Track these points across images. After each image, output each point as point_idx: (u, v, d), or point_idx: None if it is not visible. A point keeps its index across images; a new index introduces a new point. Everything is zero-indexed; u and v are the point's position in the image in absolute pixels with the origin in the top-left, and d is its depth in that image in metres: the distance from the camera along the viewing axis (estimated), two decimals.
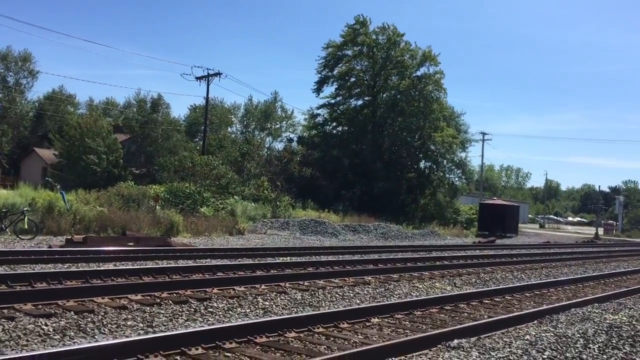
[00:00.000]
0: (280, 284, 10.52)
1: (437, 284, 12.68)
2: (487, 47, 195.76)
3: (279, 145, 54.36)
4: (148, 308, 7.85)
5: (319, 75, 46.38)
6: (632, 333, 8.20)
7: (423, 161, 47.92)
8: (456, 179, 51.57)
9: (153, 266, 11.66)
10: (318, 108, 47.18)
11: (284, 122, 59.36)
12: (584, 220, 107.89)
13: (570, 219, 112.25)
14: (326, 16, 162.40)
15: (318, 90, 46.58)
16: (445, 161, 47.70)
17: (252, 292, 9.59)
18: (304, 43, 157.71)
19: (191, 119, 57.60)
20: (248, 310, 8.35)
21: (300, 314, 7.78)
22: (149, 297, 8.44)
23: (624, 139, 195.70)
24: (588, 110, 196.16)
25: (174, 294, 8.79)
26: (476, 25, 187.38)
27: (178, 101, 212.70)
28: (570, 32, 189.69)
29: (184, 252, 14.90)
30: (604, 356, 6.96)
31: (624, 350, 7.34)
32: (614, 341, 7.60)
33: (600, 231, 61.65)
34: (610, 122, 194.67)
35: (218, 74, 40.49)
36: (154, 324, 7.08)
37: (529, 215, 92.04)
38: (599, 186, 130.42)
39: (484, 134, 67.96)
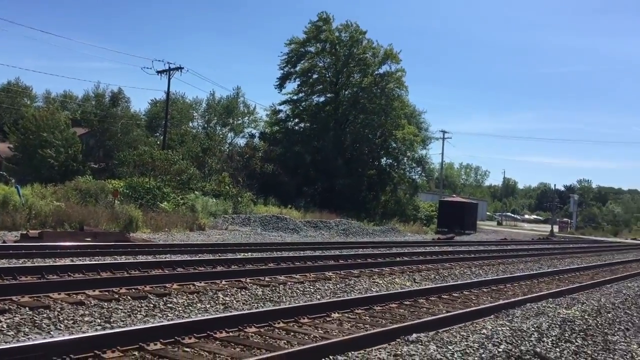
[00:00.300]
0: (241, 279, 10.49)
1: (397, 280, 12.83)
2: (448, 47, 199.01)
3: (240, 141, 54.05)
4: (106, 304, 7.72)
5: (282, 72, 46.36)
6: (584, 327, 8.47)
7: (384, 158, 48.33)
8: (416, 176, 52.24)
9: (111, 262, 11.47)
10: (280, 104, 47.19)
11: (246, 117, 58.98)
12: (540, 218, 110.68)
13: (527, 216, 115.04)
14: (289, 12, 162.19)
15: (280, 86, 46.57)
16: (405, 158, 48.21)
17: (213, 287, 9.53)
18: (266, 38, 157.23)
19: (152, 113, 56.66)
20: (208, 306, 8.30)
21: (260, 310, 7.78)
22: (107, 293, 8.30)
23: (580, 139, 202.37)
24: (545, 110, 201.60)
25: (133, 290, 8.67)
26: (437, 25, 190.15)
27: (138, 95, 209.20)
28: (529, 34, 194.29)
29: (143, 248, 14.69)
30: (557, 349, 7.17)
31: (576, 344, 7.58)
32: (566, 335, 7.84)
33: (556, 229, 63.34)
34: (566, 123, 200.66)
35: (179, 68, 39.99)
36: (111, 320, 6.98)
37: (487, 213, 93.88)
38: (555, 185, 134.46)
39: (444, 132, 68.93)
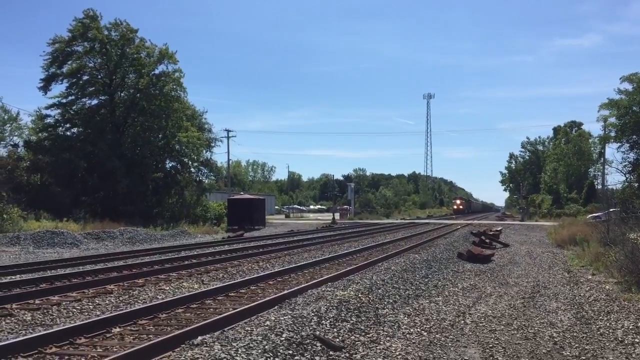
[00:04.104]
0: (5, 306, 9.39)
1: (184, 284, 12.59)
2: (226, 48, 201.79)
3: (1, 151, 48.29)
4: None
5: (46, 73, 42.15)
6: (358, 305, 9.18)
7: (168, 161, 47.06)
8: (204, 177, 51.85)
9: None
10: (47, 108, 42.75)
11: (7, 125, 52.93)
12: (324, 207, 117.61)
13: (312, 207, 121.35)
14: (49, 9, 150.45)
15: (45, 88, 42.21)
16: (191, 162, 47.63)
17: None
18: (24, 37, 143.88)
19: None
20: None
21: (27, 337, 7.00)
22: None
23: (354, 132, 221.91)
24: (322, 107, 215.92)
25: None
26: (213, 26, 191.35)
27: None
28: (302, 35, 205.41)
29: None
30: (335, 329, 7.66)
31: (352, 321, 8.18)
32: (342, 314, 8.41)
33: (337, 216, 67.59)
34: (341, 117, 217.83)
35: None
36: None
37: (276, 207, 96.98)
38: (333, 175, 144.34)
39: (228, 131, 69.59)
